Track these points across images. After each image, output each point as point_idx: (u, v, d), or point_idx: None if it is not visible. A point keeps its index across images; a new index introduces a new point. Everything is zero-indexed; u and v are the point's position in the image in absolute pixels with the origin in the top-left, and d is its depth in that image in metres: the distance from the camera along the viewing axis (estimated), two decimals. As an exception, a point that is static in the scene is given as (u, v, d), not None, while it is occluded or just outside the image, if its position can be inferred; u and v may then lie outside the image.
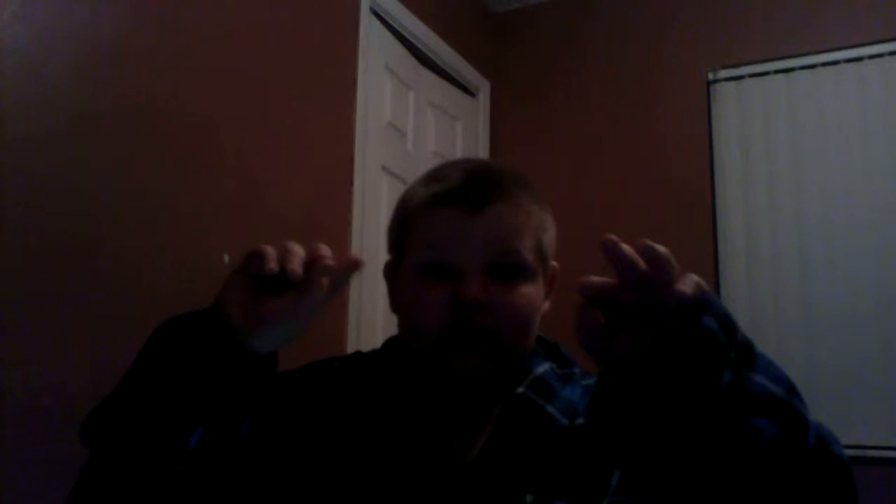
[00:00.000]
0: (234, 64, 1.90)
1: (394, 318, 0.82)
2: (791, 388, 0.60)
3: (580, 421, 0.76)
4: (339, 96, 2.30)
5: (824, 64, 2.75)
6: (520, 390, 0.78)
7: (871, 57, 2.68)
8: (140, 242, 1.61)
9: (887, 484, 2.46)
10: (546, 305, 0.82)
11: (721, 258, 2.82)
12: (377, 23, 2.50)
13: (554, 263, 0.83)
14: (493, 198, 0.75)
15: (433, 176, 0.80)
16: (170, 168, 1.70)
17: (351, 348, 2.16)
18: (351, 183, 2.28)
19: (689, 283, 0.62)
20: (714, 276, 2.82)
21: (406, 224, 0.80)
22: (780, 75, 2.81)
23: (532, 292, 0.77)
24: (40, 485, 1.36)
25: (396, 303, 0.81)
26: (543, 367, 0.81)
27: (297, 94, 2.11)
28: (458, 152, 3.00)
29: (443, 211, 0.75)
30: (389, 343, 0.86)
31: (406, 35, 2.69)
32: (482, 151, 3.15)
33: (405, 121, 2.69)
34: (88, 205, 1.51)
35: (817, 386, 2.60)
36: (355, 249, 2.21)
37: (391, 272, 0.83)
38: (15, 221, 1.37)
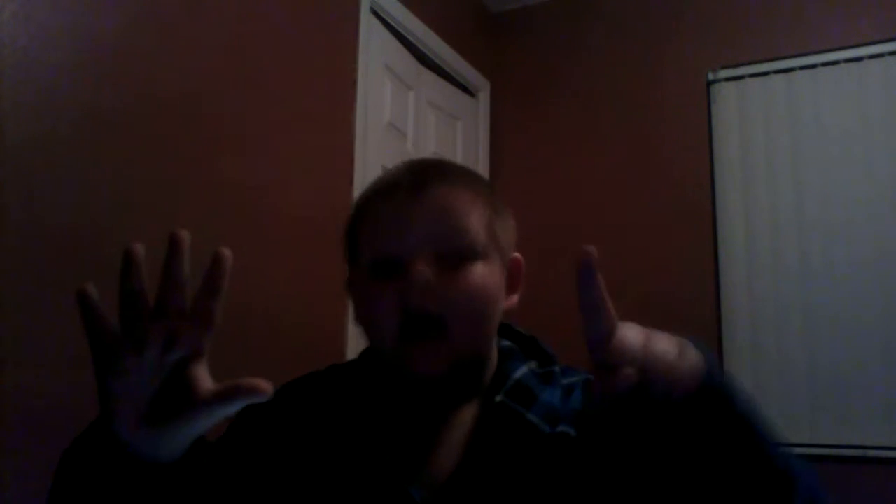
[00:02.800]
0: (233, 64, 1.90)
1: None
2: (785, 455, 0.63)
3: (563, 428, 0.72)
4: (339, 96, 2.30)
5: (824, 64, 2.75)
6: (498, 398, 0.74)
7: (871, 57, 2.68)
8: (140, 242, 1.61)
9: (887, 484, 2.46)
10: (513, 300, 0.79)
11: (721, 258, 2.82)
12: (377, 23, 2.50)
13: (516, 255, 0.79)
14: (433, 181, 0.73)
15: (377, 178, 0.80)
16: (170, 168, 1.70)
17: (351, 348, 2.16)
18: (351, 183, 2.28)
19: (687, 372, 0.56)
20: (714, 276, 2.82)
21: (352, 229, 0.78)
22: (780, 75, 2.81)
23: (485, 274, 0.72)
24: (40, 485, 1.36)
25: (357, 314, 0.78)
26: (522, 371, 0.77)
27: (298, 94, 2.11)
28: (459, 152, 3.00)
29: (383, 203, 0.74)
30: (365, 354, 0.83)
31: (406, 35, 2.69)
32: (482, 151, 3.15)
33: (405, 121, 2.69)
34: (88, 205, 1.51)
35: (817, 386, 2.60)
36: (355, 249, 2.21)
37: (349, 283, 0.81)
38: (15, 221, 1.37)
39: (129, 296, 0.60)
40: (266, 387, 0.52)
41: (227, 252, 0.58)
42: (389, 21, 2.58)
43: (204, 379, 0.55)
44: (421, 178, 0.73)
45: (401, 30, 2.65)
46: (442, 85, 2.95)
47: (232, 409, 0.53)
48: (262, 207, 1.95)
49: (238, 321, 1.84)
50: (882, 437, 2.49)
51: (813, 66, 2.77)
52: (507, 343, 0.81)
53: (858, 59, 2.70)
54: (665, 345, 0.55)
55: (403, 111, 2.68)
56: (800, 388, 2.63)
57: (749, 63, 2.87)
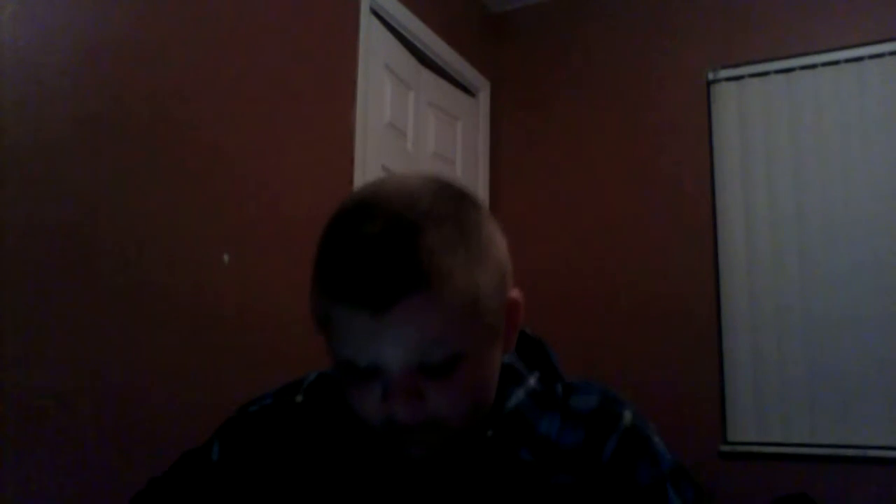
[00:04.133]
0: (234, 64, 1.90)
1: None
2: None
3: (565, 479, 0.68)
4: (339, 96, 2.30)
5: (824, 64, 2.75)
6: (489, 434, 0.69)
7: (871, 57, 2.69)
8: (140, 242, 1.61)
9: (887, 484, 2.46)
10: (512, 340, 0.71)
11: (721, 258, 2.82)
12: (377, 23, 2.50)
13: (511, 296, 0.69)
14: (404, 290, 0.59)
15: (343, 237, 0.63)
16: (170, 168, 1.70)
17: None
18: (351, 183, 2.28)
19: None
20: (714, 276, 2.82)
21: (317, 303, 0.65)
22: (780, 75, 2.81)
23: (479, 370, 0.65)
24: (40, 485, 1.36)
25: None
26: (518, 396, 0.71)
27: (298, 94, 2.11)
28: (459, 152, 3.00)
29: (347, 311, 0.61)
30: None
31: (406, 35, 2.69)
32: (482, 151, 3.15)
33: (405, 121, 2.69)
34: (88, 205, 1.51)
35: (818, 386, 2.60)
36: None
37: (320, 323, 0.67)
38: (14, 222, 1.37)
39: None
40: None
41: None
42: (389, 21, 2.58)
43: None
44: (386, 288, 0.59)
45: (401, 30, 2.65)
46: (442, 85, 2.95)
47: None
48: (262, 207, 1.95)
49: (238, 321, 1.84)
50: (882, 437, 2.49)
51: (813, 66, 2.77)
52: (506, 359, 0.74)
53: (858, 59, 2.70)
54: None
55: (403, 111, 2.68)
56: (800, 388, 2.63)
57: (749, 63, 2.87)
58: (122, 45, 1.60)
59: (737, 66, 2.89)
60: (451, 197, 0.65)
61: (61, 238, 1.45)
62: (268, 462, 0.75)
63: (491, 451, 0.68)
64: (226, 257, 1.81)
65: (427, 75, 2.86)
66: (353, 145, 2.31)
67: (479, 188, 3.08)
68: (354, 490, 0.70)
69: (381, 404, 0.62)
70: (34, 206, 1.41)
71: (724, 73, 2.91)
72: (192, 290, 1.72)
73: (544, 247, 2.99)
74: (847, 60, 2.72)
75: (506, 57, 3.35)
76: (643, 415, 0.72)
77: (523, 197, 3.17)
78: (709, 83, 2.94)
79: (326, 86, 2.24)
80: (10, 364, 1.34)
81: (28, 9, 1.42)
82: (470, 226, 0.64)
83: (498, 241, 0.68)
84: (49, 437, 1.39)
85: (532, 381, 0.74)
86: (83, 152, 1.51)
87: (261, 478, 0.74)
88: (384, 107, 2.53)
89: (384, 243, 0.60)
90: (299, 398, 0.78)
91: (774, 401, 2.65)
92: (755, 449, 2.65)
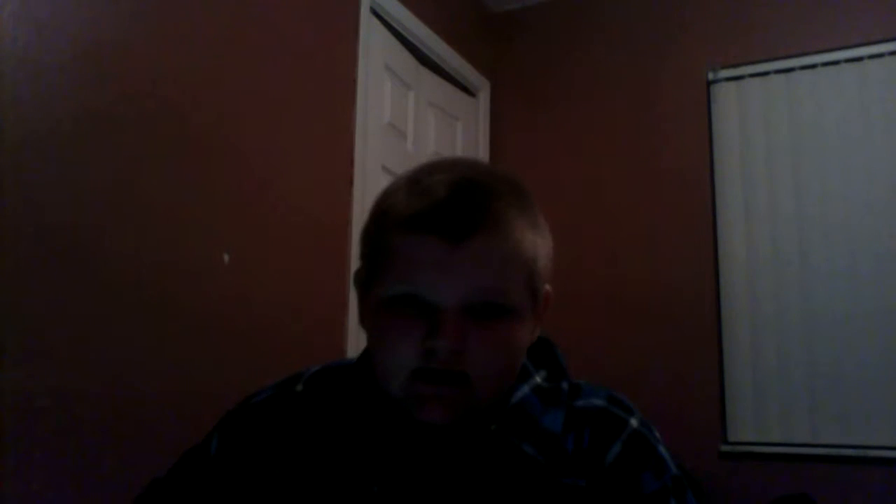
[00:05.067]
0: (234, 64, 1.90)
1: None
2: None
3: (573, 482, 0.68)
4: (339, 96, 2.30)
5: (824, 64, 2.75)
6: (493, 427, 0.69)
7: (872, 57, 2.68)
8: (140, 242, 1.61)
9: (887, 484, 2.46)
10: (536, 331, 0.73)
11: (721, 258, 2.82)
12: (377, 23, 2.50)
13: (547, 288, 0.73)
14: (477, 226, 0.64)
15: (416, 183, 0.69)
16: (170, 168, 1.70)
17: (351, 346, 2.16)
18: (351, 183, 2.28)
19: None
20: (714, 276, 2.82)
21: (379, 241, 0.69)
22: (780, 75, 2.81)
23: (517, 333, 0.68)
24: (40, 485, 1.36)
25: (365, 325, 0.72)
26: (523, 391, 0.72)
27: (298, 94, 2.11)
28: (458, 152, 3.00)
29: (420, 239, 0.64)
30: (364, 357, 0.76)
31: (406, 35, 2.69)
32: (482, 151, 3.15)
33: (405, 121, 2.69)
34: (88, 204, 1.51)
35: (818, 386, 2.60)
36: (355, 249, 2.21)
37: (362, 285, 0.72)
38: (14, 221, 1.37)
39: None
40: None
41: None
42: (389, 21, 2.58)
43: None
44: (465, 222, 0.64)
45: (401, 30, 2.65)
46: (442, 85, 2.95)
47: None
48: (262, 207, 1.95)
49: (238, 320, 1.84)
50: (882, 437, 2.49)
51: (813, 66, 2.77)
52: None
53: (858, 59, 2.70)
54: None
55: (403, 111, 2.68)
56: (800, 388, 2.63)
57: (749, 63, 2.87)
58: (122, 45, 1.60)
59: (737, 66, 2.89)
60: (507, 175, 0.72)
61: (61, 238, 1.45)
62: (265, 451, 0.74)
63: (494, 444, 0.68)
64: (226, 257, 1.81)
65: (427, 75, 2.86)
66: (352, 145, 2.31)
67: (479, 188, 3.07)
68: (356, 480, 0.70)
69: (423, 343, 0.64)
70: (33, 205, 1.41)
71: (724, 73, 2.90)
72: (192, 290, 1.72)
73: (544, 247, 2.98)
74: (847, 60, 2.72)
75: (506, 57, 3.34)
76: (648, 422, 0.72)
77: (523, 197, 3.16)
78: (709, 83, 2.94)
79: (326, 86, 2.24)
80: (10, 364, 1.34)
81: (28, 7, 1.42)
82: (530, 201, 0.71)
83: (546, 228, 0.74)
84: (49, 437, 1.38)
85: (539, 378, 0.74)
86: (83, 151, 1.51)
87: (257, 468, 0.74)
88: (384, 107, 2.53)
89: (463, 187, 0.66)
90: (299, 387, 0.79)
91: (774, 401, 2.65)
92: (755, 449, 2.65)
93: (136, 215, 1.61)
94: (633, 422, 0.71)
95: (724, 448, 2.69)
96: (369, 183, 2.36)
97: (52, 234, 1.44)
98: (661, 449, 0.71)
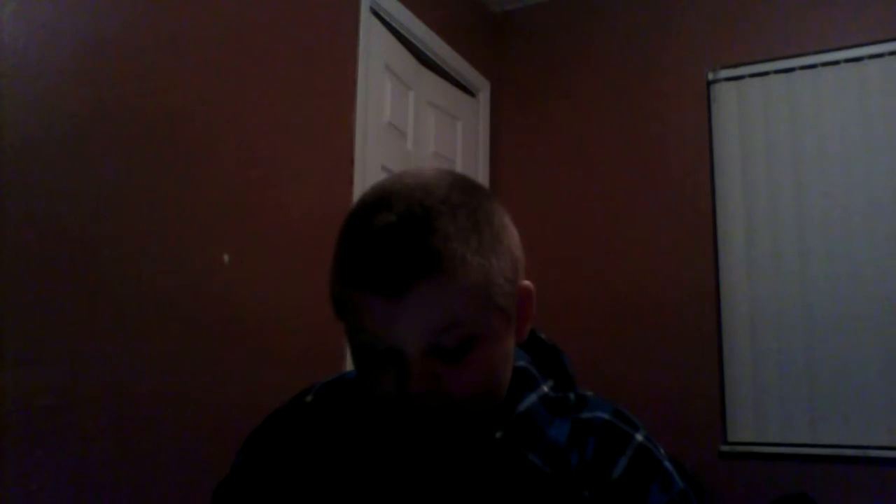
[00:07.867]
0: (234, 64, 1.89)
1: None
2: None
3: (577, 494, 0.67)
4: (339, 96, 2.30)
5: (824, 64, 2.75)
6: (498, 435, 0.69)
7: (872, 57, 2.69)
8: (140, 242, 1.61)
9: (887, 484, 2.46)
10: (523, 331, 0.72)
11: (721, 258, 2.82)
12: (377, 23, 2.50)
13: (523, 284, 0.69)
14: (415, 277, 0.60)
15: (357, 227, 0.65)
16: (170, 168, 1.70)
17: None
18: (351, 183, 2.28)
19: None
20: (714, 276, 2.82)
21: (333, 289, 0.67)
22: (780, 75, 2.82)
23: (493, 353, 0.66)
24: (40, 485, 1.36)
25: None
26: (531, 400, 0.71)
27: (298, 94, 2.11)
28: (458, 152, 3.00)
29: (361, 294, 0.62)
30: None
31: (406, 35, 2.69)
32: (482, 151, 3.15)
33: (405, 121, 2.69)
34: (88, 205, 1.51)
35: (817, 386, 2.61)
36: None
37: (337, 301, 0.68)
38: (15, 221, 1.37)
39: None
40: None
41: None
42: (389, 21, 2.58)
43: None
44: (401, 273, 0.60)
45: (401, 30, 2.65)
46: (442, 85, 2.95)
47: None
48: (262, 207, 1.95)
49: (237, 321, 1.84)
50: (882, 437, 2.49)
51: (813, 66, 2.77)
52: (521, 363, 0.75)
53: (858, 59, 2.71)
54: None
55: (403, 111, 2.67)
56: (800, 388, 2.63)
57: (749, 63, 2.87)
58: (122, 45, 1.60)
59: (737, 66, 2.89)
60: (465, 187, 0.67)
61: (61, 238, 1.45)
62: (276, 463, 0.75)
63: (499, 452, 0.68)
64: (226, 257, 1.81)
65: (427, 75, 2.86)
66: (352, 145, 2.31)
67: (479, 188, 3.07)
68: (362, 489, 0.70)
69: (398, 389, 0.63)
70: (34, 205, 1.41)
71: (724, 73, 2.91)
72: (192, 290, 1.72)
73: (544, 246, 2.98)
74: (847, 60, 2.72)
75: (506, 57, 3.35)
76: (652, 438, 0.73)
77: (523, 197, 3.17)
78: (709, 83, 2.94)
79: (326, 85, 2.24)
80: (10, 364, 1.34)
81: (28, 8, 1.41)
82: (483, 214, 0.65)
83: (510, 231, 0.69)
84: (49, 437, 1.38)
85: (546, 387, 0.74)
86: (83, 152, 1.51)
87: (270, 479, 0.75)
88: (384, 106, 2.53)
89: (399, 230, 0.62)
90: (309, 398, 0.80)
91: (774, 401, 2.66)
92: (755, 449, 2.65)
93: (136, 215, 1.60)
94: (639, 436, 0.71)
95: (724, 448, 2.69)
96: (369, 183, 2.34)
97: (52, 233, 1.44)
98: (667, 464, 0.71)
